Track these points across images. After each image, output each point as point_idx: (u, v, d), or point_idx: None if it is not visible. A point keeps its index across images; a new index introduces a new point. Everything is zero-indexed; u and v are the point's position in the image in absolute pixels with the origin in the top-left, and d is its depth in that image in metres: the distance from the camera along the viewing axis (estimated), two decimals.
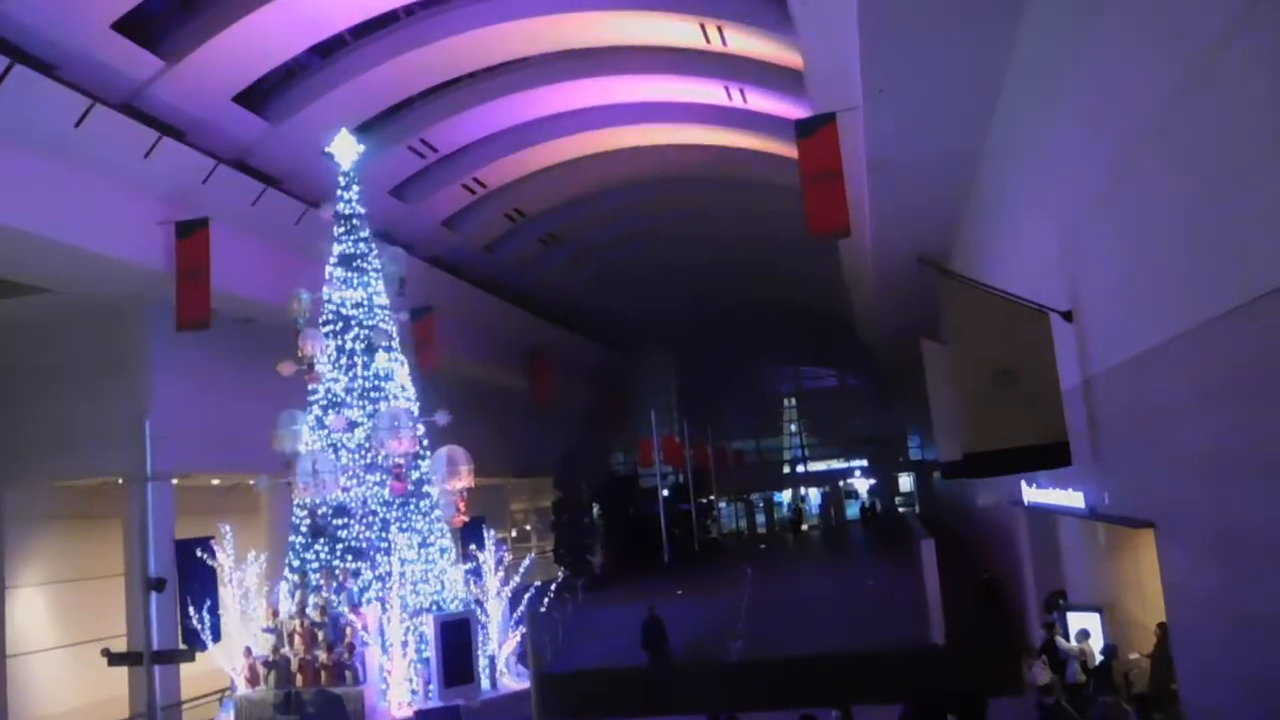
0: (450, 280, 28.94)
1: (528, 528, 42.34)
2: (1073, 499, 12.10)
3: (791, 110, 21.80)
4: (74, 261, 17.30)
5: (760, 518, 54.16)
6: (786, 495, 54.72)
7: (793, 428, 55.56)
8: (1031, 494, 14.48)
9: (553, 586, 15.14)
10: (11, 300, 19.56)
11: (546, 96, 24.56)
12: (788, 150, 22.44)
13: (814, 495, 54.54)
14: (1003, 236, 15.72)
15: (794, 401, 55.58)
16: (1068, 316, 11.30)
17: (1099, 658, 12.17)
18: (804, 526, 49.60)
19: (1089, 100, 9.82)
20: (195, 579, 19.33)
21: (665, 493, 37.35)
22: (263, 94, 20.89)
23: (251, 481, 24.65)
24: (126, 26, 17.28)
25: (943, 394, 15.65)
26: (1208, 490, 7.76)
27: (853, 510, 51.55)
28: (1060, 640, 12.63)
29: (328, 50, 21.10)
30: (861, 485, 53.92)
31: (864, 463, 53.17)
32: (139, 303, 19.63)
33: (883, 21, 12.39)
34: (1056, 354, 10.97)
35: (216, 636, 16.98)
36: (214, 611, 16.62)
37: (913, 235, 19.37)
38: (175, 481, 20.32)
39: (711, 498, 44.82)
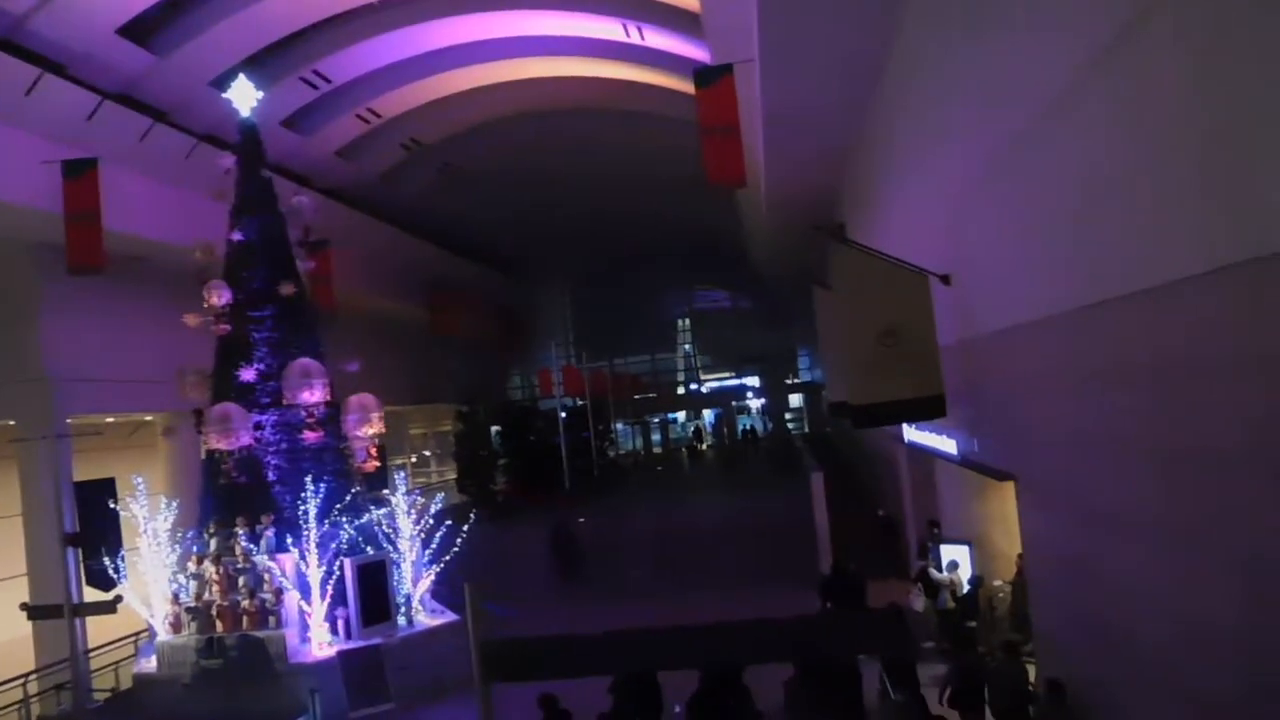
0: (346, 212, 28.65)
1: (426, 453, 42.72)
2: (946, 444, 13.24)
3: (689, 50, 22.16)
4: None
5: (656, 436, 55.68)
6: (681, 415, 56.29)
7: (686, 349, 56.87)
8: (911, 433, 15.64)
9: (464, 527, 15.73)
10: None
11: (442, 28, 24.30)
12: (684, 86, 22.83)
13: (708, 416, 56.27)
14: (890, 196, 16.56)
15: (688, 323, 56.79)
16: (946, 280, 12.21)
17: (966, 587, 13.55)
18: (702, 445, 51.34)
19: (979, 79, 10.39)
20: (97, 523, 19.32)
21: (564, 415, 38.16)
22: (148, 26, 20.17)
23: (148, 419, 24.46)
24: None
25: (833, 338, 16.59)
26: (1063, 457, 8.81)
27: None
28: (933, 571, 13.96)
29: None
30: (755, 404, 55.73)
31: (756, 383, 54.85)
32: (26, 243, 19.11)
33: None
34: (935, 314, 11.89)
35: (121, 579, 17.12)
36: (118, 555, 16.73)
37: (805, 186, 20.14)
38: (70, 421, 20.07)
39: (610, 423, 45.86)
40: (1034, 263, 9.13)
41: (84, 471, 19.70)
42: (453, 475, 37.66)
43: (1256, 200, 4.98)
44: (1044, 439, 9.41)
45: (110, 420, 23.86)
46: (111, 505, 16.19)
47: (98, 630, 19.07)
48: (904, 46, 14.12)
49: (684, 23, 21.25)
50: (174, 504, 15.59)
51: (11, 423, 19.92)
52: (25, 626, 18.49)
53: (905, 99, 14.56)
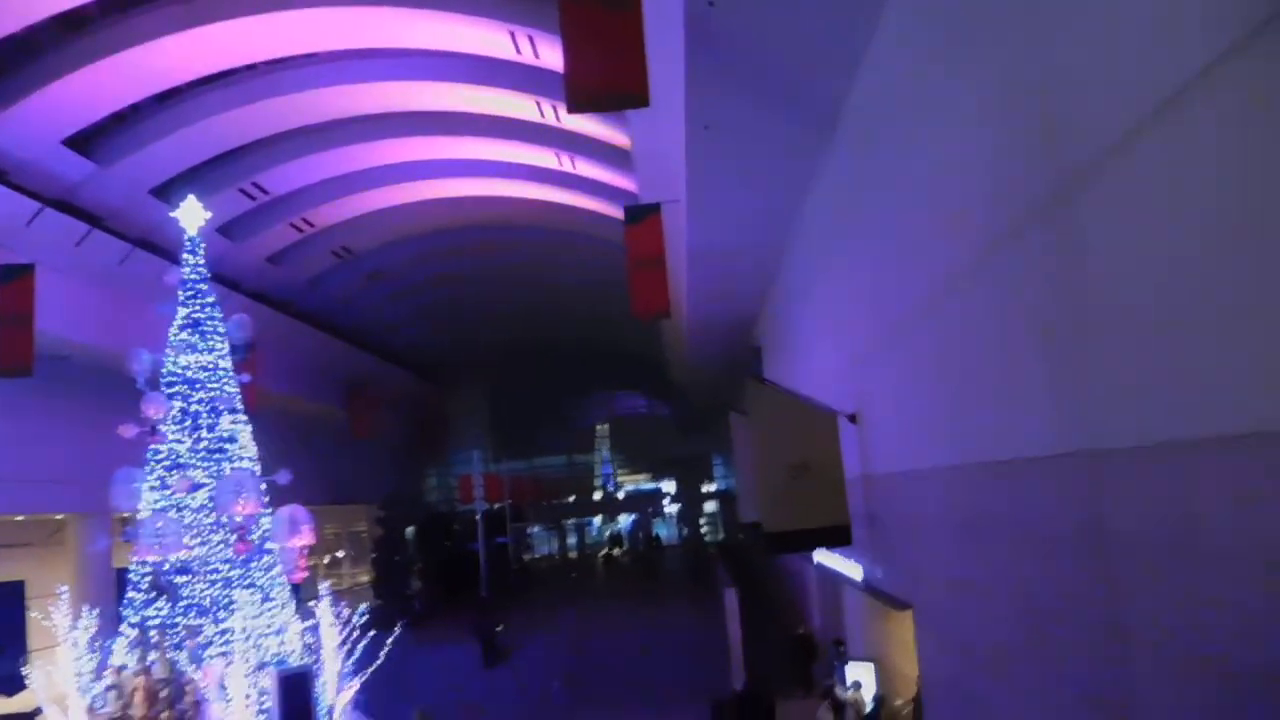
0: (272, 314, 29.01)
1: (339, 554, 42.23)
2: (852, 569, 14.19)
3: (617, 179, 23.51)
4: None
5: (572, 540, 55.89)
6: (598, 519, 56.72)
7: (604, 454, 57.55)
8: (819, 555, 16.59)
9: (389, 641, 16.06)
10: None
11: (382, 149, 25.31)
12: (611, 210, 24.16)
13: (624, 521, 56.82)
14: (806, 332, 17.83)
15: (606, 428, 57.57)
16: (853, 419, 13.35)
17: (870, 705, 14.37)
18: (617, 552, 51.90)
19: (871, 260, 11.78)
20: (4, 626, 19.03)
21: (480, 522, 38.32)
22: (92, 136, 20.72)
23: (59, 518, 24.10)
24: None
25: (747, 465, 17.60)
26: (947, 594, 9.82)
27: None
28: (838, 690, 14.76)
29: (164, 96, 21.15)
30: (671, 510, 56.47)
31: (671, 489, 55.68)
32: None
33: (703, 139, 14.08)
34: (842, 448, 12.95)
35: (27, 685, 16.79)
36: (21, 658, 16.47)
37: (727, 313, 21.41)
38: None
39: (526, 526, 46.08)
40: (918, 421, 10.28)
41: None
42: (366, 577, 37.32)
43: (1086, 402, 6.05)
44: (932, 575, 10.41)
45: (20, 520, 23.49)
46: (20, 608, 16.07)
47: None
48: (814, 206, 15.53)
49: (615, 157, 22.63)
50: (94, 612, 15.55)
51: None
52: None
53: (817, 252, 15.91)
